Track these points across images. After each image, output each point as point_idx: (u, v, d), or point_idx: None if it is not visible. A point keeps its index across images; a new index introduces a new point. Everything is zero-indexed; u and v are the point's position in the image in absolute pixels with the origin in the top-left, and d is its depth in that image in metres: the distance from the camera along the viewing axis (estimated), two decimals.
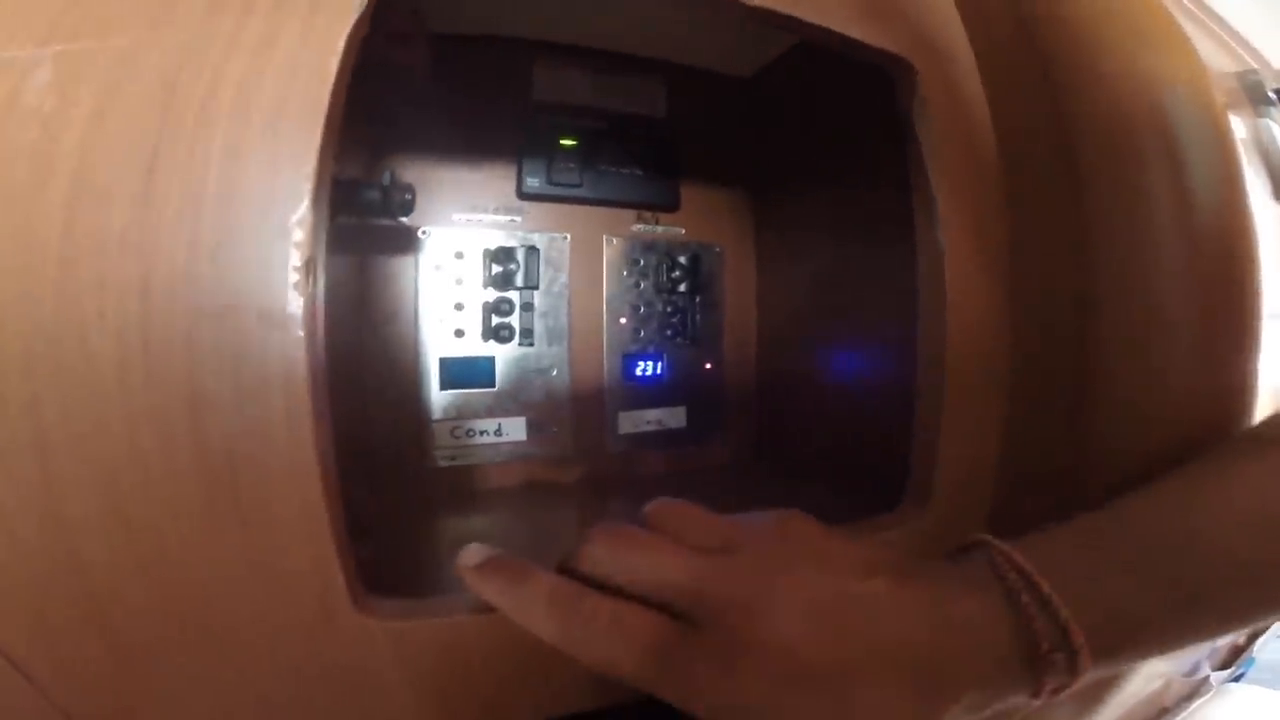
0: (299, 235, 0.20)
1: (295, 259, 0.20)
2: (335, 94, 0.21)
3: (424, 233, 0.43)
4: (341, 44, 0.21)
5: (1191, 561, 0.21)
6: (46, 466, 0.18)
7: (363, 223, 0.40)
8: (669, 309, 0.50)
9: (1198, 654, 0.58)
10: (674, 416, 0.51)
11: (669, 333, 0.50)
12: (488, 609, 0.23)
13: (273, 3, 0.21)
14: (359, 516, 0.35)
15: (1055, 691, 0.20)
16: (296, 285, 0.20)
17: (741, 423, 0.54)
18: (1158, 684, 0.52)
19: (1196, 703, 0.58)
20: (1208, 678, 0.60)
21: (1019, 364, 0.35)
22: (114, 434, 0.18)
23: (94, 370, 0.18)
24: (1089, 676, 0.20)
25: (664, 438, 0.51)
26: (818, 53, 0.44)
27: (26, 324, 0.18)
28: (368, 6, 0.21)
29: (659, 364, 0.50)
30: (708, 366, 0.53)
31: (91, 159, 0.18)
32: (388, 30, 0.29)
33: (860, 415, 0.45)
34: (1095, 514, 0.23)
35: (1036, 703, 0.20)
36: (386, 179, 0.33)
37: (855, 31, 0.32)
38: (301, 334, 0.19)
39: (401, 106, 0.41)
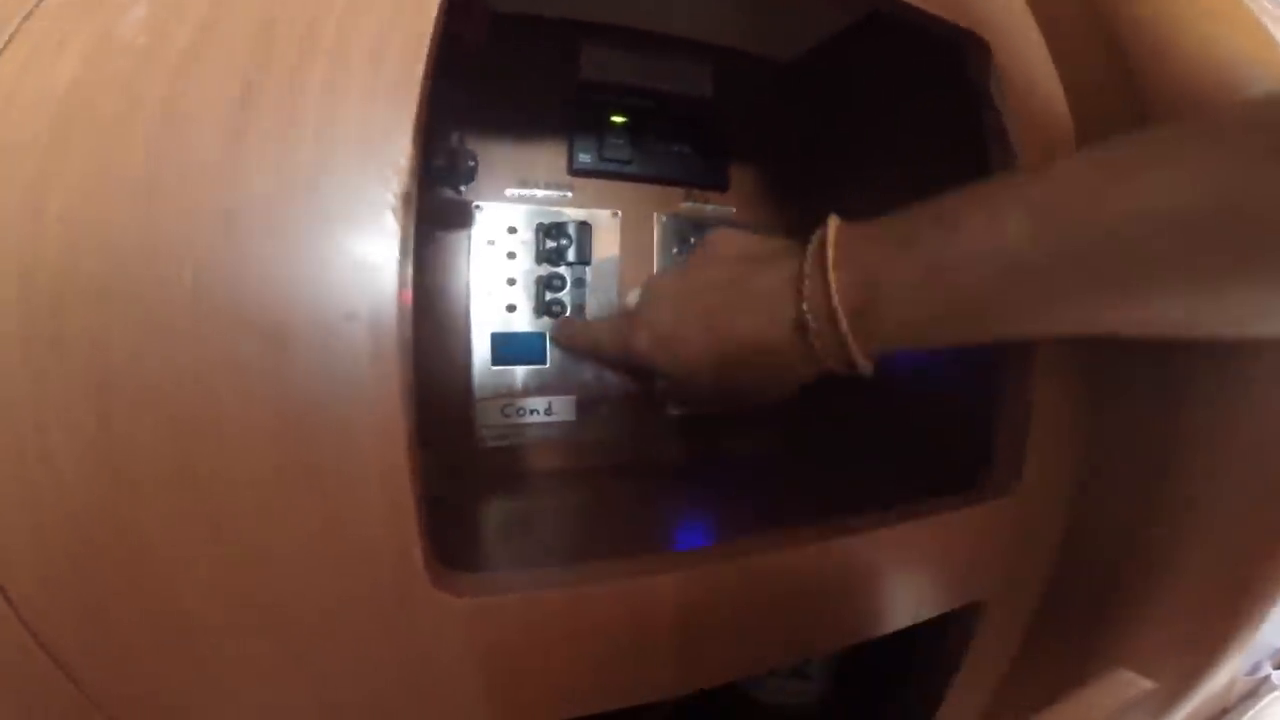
0: (402, 163, 0.19)
1: (394, 190, 0.19)
2: (437, 28, 0.20)
3: (477, 206, 0.42)
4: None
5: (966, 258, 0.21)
6: (109, 414, 0.17)
7: (421, 198, 0.39)
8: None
9: (1258, 653, 0.56)
10: None
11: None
12: (561, 584, 0.23)
13: None
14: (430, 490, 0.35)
15: (835, 368, 0.25)
16: (391, 219, 0.19)
17: (794, 404, 0.52)
18: (1223, 680, 0.50)
19: (1259, 704, 0.56)
20: (1269, 677, 0.58)
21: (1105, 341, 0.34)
22: (184, 375, 0.17)
23: (169, 305, 0.17)
24: (863, 362, 0.25)
25: (716, 418, 0.49)
26: (867, 35, 0.43)
27: (105, 255, 0.17)
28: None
29: None
30: None
31: (182, 91, 0.18)
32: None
33: (918, 397, 0.43)
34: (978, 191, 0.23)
35: (811, 374, 0.27)
36: (456, 140, 0.32)
37: (929, 5, 0.31)
38: (394, 273, 0.18)
39: (458, 79, 0.41)
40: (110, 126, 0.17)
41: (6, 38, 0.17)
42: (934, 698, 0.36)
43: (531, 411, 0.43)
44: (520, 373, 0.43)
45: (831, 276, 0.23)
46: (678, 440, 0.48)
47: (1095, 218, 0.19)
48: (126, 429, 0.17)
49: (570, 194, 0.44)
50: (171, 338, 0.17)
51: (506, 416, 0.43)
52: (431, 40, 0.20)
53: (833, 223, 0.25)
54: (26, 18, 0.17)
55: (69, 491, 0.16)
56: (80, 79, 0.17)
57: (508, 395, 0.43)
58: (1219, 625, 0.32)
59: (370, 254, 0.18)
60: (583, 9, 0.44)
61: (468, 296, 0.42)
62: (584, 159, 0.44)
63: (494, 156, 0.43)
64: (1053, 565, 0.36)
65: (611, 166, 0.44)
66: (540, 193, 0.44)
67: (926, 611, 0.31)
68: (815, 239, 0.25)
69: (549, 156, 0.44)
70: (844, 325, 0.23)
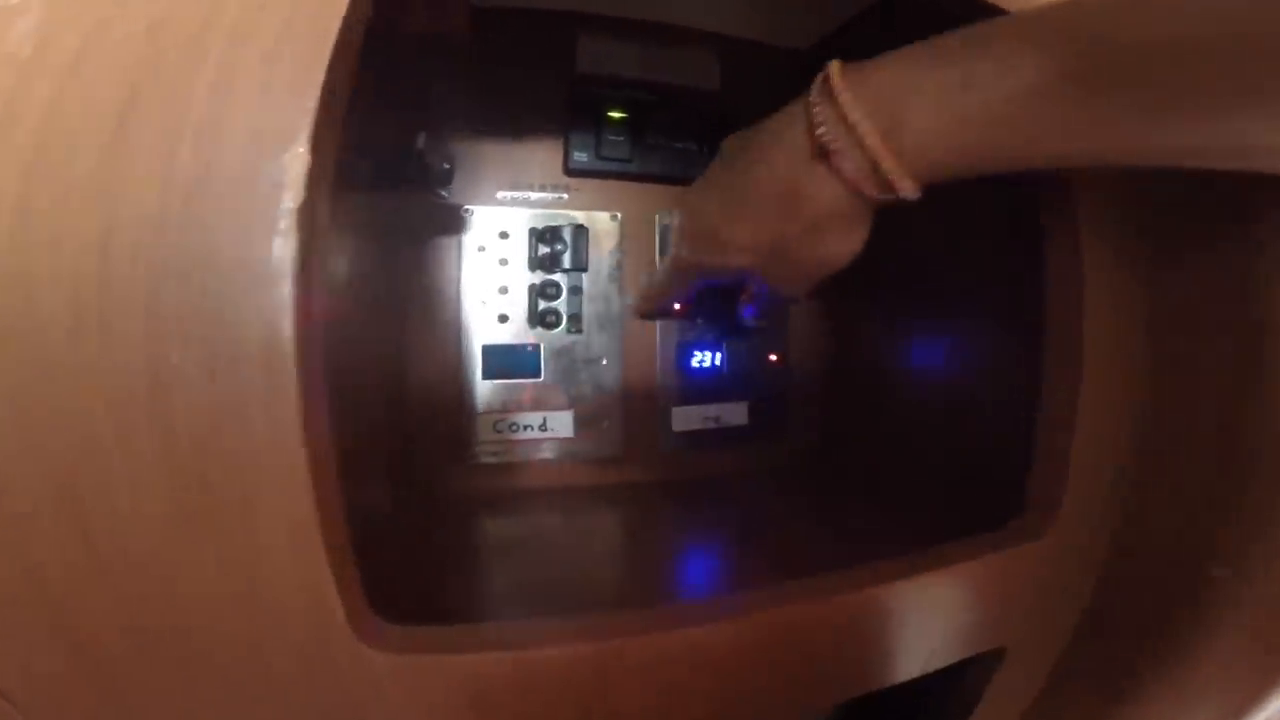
0: (293, 172, 0.16)
1: (286, 201, 0.16)
2: (349, 16, 0.17)
3: (467, 211, 0.40)
4: None
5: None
6: None
7: (404, 202, 0.37)
8: (729, 295, 0.46)
9: None
10: (734, 413, 0.47)
11: (729, 321, 0.46)
12: (515, 645, 0.20)
13: None
14: (376, 527, 0.33)
15: (875, 194, 0.24)
16: (284, 231, 0.16)
17: (807, 421, 0.49)
18: None
19: None
20: None
21: (1162, 360, 0.30)
22: (66, 418, 0.15)
23: (45, 343, 0.15)
24: (905, 183, 0.23)
25: (722, 436, 0.46)
26: (885, 18, 0.39)
27: None
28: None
29: (718, 355, 0.46)
30: (772, 359, 0.48)
31: (62, 105, 0.16)
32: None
33: (946, 417, 0.39)
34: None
35: (853, 208, 0.25)
36: (421, 141, 0.30)
37: None
38: (288, 291, 0.16)
39: (442, 81, 0.39)
40: None
41: None
42: None
43: (525, 427, 0.41)
44: (513, 386, 0.41)
45: (844, 99, 0.23)
46: (683, 457, 0.45)
47: (1116, 42, 0.19)
48: (6, 467, 0.15)
49: (566, 195, 0.42)
50: (49, 377, 0.15)
51: (499, 432, 0.41)
52: (340, 38, 0.17)
53: (832, 63, 0.24)
54: None
55: None
56: None
57: (500, 410, 0.41)
58: (1258, 686, 0.28)
59: (260, 277, 0.16)
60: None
61: (458, 306, 0.40)
62: (580, 158, 0.41)
63: (486, 158, 0.40)
64: (1085, 609, 0.31)
65: (610, 166, 0.42)
66: (534, 195, 0.41)
67: (940, 661, 0.27)
68: (815, 81, 0.24)
69: (543, 156, 0.42)
70: (871, 140, 0.22)
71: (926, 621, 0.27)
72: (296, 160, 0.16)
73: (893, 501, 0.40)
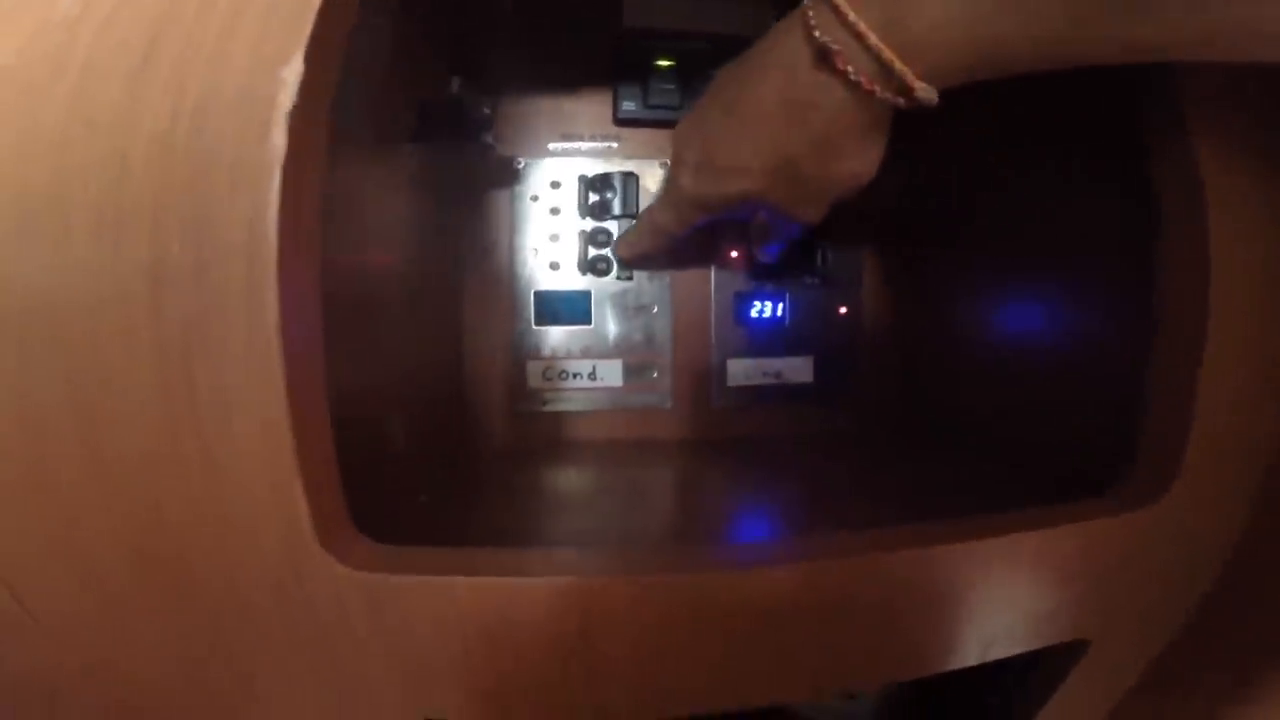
0: (289, 83, 0.17)
1: (280, 106, 0.17)
2: None
3: (520, 163, 0.41)
4: None
5: None
6: (22, 352, 0.17)
7: (459, 155, 0.39)
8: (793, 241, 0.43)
9: None
10: (797, 369, 0.44)
11: (793, 269, 0.43)
12: (491, 570, 0.20)
13: None
14: (430, 459, 0.34)
15: (887, 96, 0.22)
16: (275, 133, 0.17)
17: (879, 381, 0.45)
18: None
19: None
20: None
21: None
22: (80, 316, 0.17)
23: (70, 246, 0.17)
24: (919, 84, 0.21)
25: (782, 393, 0.43)
26: None
27: (17, 203, 0.17)
28: None
29: (780, 305, 0.43)
30: (842, 311, 0.44)
31: (99, 50, 0.18)
32: None
33: (1037, 382, 0.34)
34: None
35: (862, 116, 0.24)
36: (455, 85, 0.32)
37: None
38: (274, 187, 0.17)
39: (489, 35, 0.40)
40: (38, 90, 0.18)
41: None
42: None
43: (575, 375, 0.41)
44: (564, 333, 0.41)
45: (844, 7, 0.21)
46: (737, 414, 0.43)
47: None
48: (37, 378, 0.17)
49: (616, 144, 0.42)
50: (72, 276, 0.17)
51: (549, 380, 0.41)
52: None
53: None
54: None
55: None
56: (24, 51, 0.18)
57: (550, 357, 0.41)
58: None
59: (248, 177, 0.17)
60: None
61: (511, 254, 0.41)
62: (628, 106, 0.41)
63: (536, 111, 0.41)
64: (1201, 594, 0.25)
65: (659, 114, 0.41)
66: (585, 145, 0.42)
67: (1000, 652, 0.23)
68: None
69: (593, 107, 0.41)
70: (873, 38, 0.21)
71: (985, 603, 0.23)
72: (292, 72, 0.17)
73: (969, 472, 0.35)
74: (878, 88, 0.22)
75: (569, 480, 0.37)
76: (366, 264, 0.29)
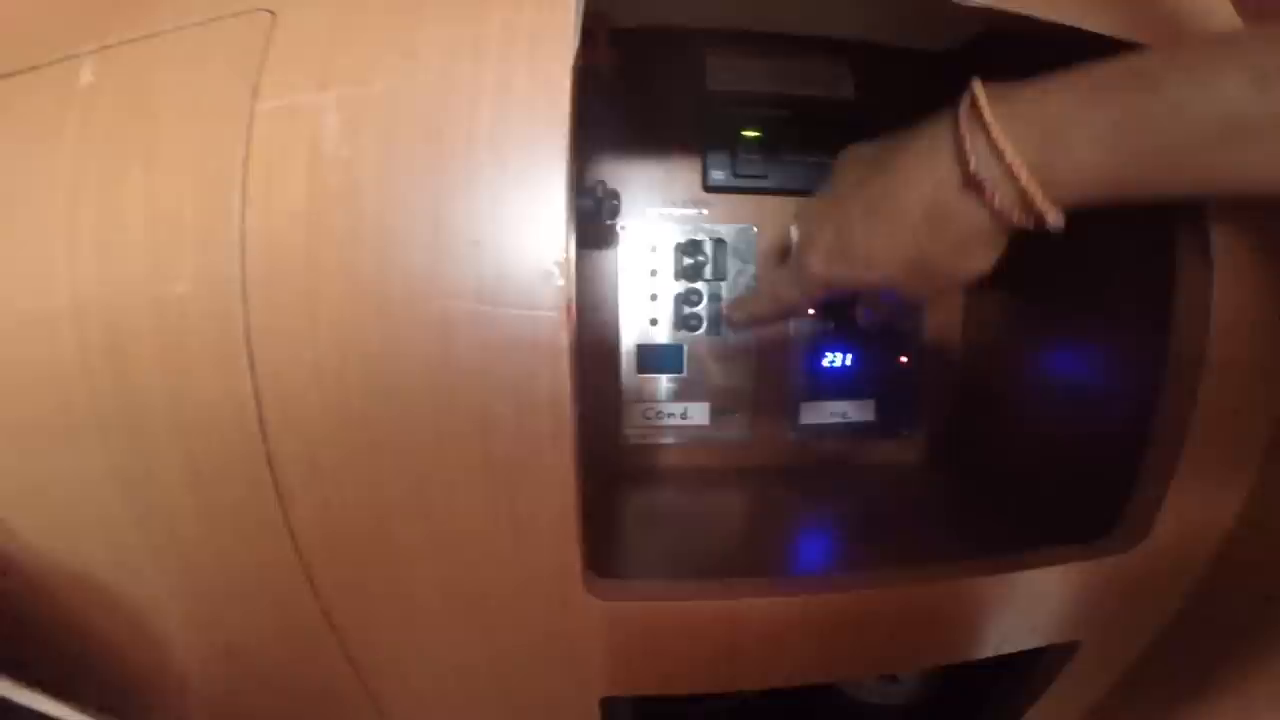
0: (559, 276, 0.22)
1: (559, 299, 0.22)
2: (571, 136, 0.23)
3: (622, 227, 0.46)
4: (568, 82, 0.23)
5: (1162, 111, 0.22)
6: (377, 460, 0.23)
7: (580, 228, 0.44)
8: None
9: None
10: (860, 410, 0.50)
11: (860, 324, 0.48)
12: (680, 596, 0.27)
13: (499, 47, 0.23)
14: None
15: (1020, 222, 0.25)
16: (562, 324, 0.23)
17: (935, 423, 0.51)
18: None
19: None
20: None
21: None
22: (425, 445, 0.23)
23: (412, 393, 0.23)
24: (1053, 214, 0.24)
25: (848, 430, 0.49)
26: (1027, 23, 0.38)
27: (359, 355, 0.23)
28: (580, 38, 0.23)
29: (848, 355, 0.49)
30: (902, 360, 0.50)
31: (387, 204, 0.22)
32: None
33: (1075, 430, 0.40)
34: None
35: (996, 231, 0.26)
36: (600, 190, 0.37)
37: (1087, 23, 0.28)
38: (566, 366, 0.22)
39: (594, 108, 0.45)
40: (345, 242, 0.22)
41: (243, 149, 0.22)
42: (1014, 715, 0.36)
43: (669, 415, 0.47)
44: (661, 380, 0.47)
45: (996, 130, 0.23)
46: (808, 447, 0.49)
47: None
48: (388, 479, 0.24)
49: (706, 211, 0.47)
50: (415, 421, 0.23)
51: (648, 419, 0.47)
52: (569, 143, 0.23)
53: (975, 85, 0.25)
54: (250, 128, 0.23)
55: (351, 514, 0.24)
56: (312, 191, 0.22)
57: (650, 400, 0.47)
58: None
59: (547, 354, 0.23)
60: (703, 13, 0.43)
61: (616, 311, 0.47)
62: (717, 176, 0.45)
63: (634, 177, 0.46)
64: (1174, 613, 0.33)
65: (746, 182, 0.46)
66: (678, 211, 0.47)
67: (1010, 647, 0.32)
68: (963, 101, 0.25)
69: (685, 174, 0.46)
70: (1024, 178, 0.23)
71: (1004, 613, 0.31)
72: (561, 266, 0.22)
73: (1009, 503, 0.42)
74: (1014, 214, 0.24)
75: (668, 503, 0.44)
76: None
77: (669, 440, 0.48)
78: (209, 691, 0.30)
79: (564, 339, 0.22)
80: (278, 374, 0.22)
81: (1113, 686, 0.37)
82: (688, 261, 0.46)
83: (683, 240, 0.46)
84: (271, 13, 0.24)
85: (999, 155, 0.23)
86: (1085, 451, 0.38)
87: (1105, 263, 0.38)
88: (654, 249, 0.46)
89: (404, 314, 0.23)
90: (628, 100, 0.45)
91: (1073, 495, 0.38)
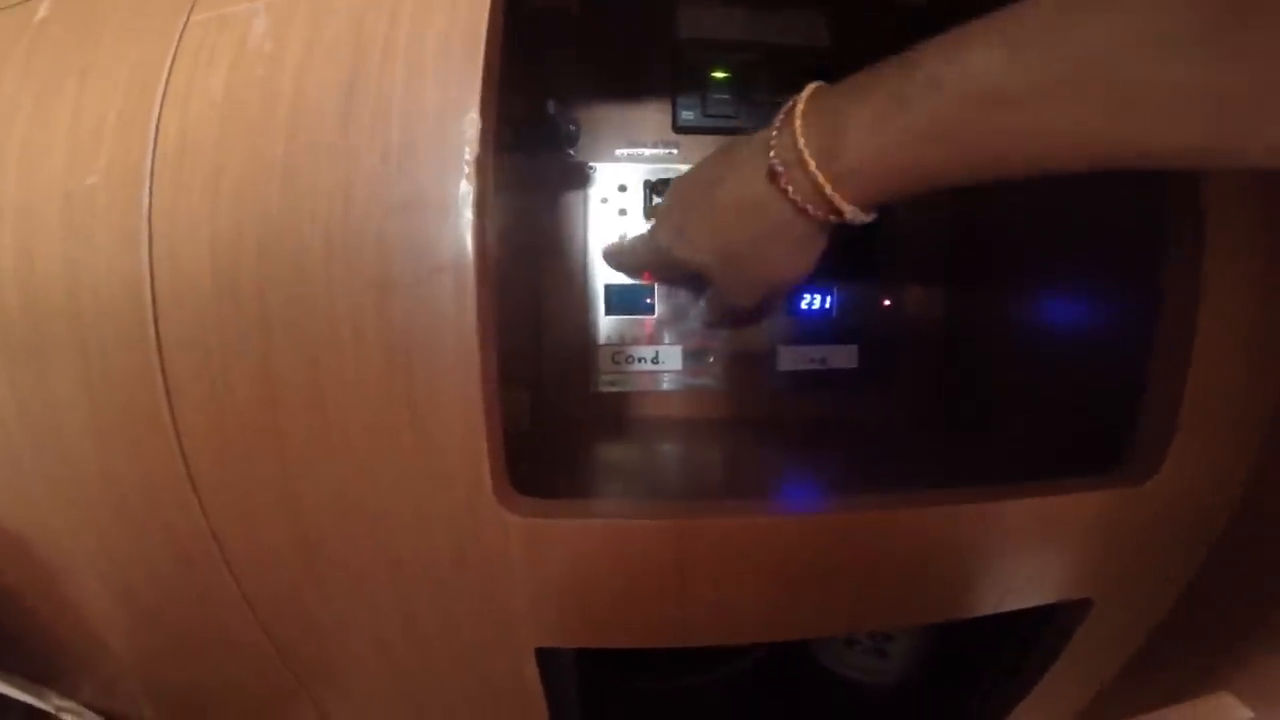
0: (470, 134, 0.22)
1: (467, 154, 0.22)
2: (493, 17, 0.23)
3: (591, 168, 0.45)
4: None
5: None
6: (268, 341, 0.22)
7: (538, 161, 0.44)
8: (841, 238, 0.46)
9: None
10: (842, 356, 0.48)
11: (841, 265, 0.47)
12: (615, 514, 0.25)
13: None
14: (519, 425, 0.40)
15: (821, 215, 0.25)
16: (467, 175, 0.22)
17: (920, 369, 0.48)
18: None
19: None
20: None
21: None
22: (318, 316, 0.22)
23: (307, 261, 0.22)
24: (849, 208, 0.24)
25: (828, 378, 0.47)
26: None
27: (258, 223, 0.22)
28: None
29: (827, 298, 0.47)
30: (886, 304, 0.48)
31: (304, 87, 0.22)
32: None
33: (1071, 369, 0.37)
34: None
35: (807, 229, 0.26)
36: (551, 108, 0.36)
37: None
38: (470, 218, 0.22)
39: (561, 50, 0.44)
40: (257, 121, 0.22)
41: (170, 55, 0.23)
42: (1019, 691, 0.32)
43: (640, 359, 0.46)
44: (630, 322, 0.46)
45: (798, 124, 0.24)
46: (788, 395, 0.47)
47: (1064, 50, 0.19)
48: (280, 364, 0.23)
49: (676, 150, 0.46)
50: (310, 288, 0.22)
51: (617, 364, 0.46)
52: (489, 30, 0.22)
53: (810, 85, 0.25)
54: (180, 36, 0.23)
55: (240, 407, 0.23)
56: (231, 83, 0.23)
57: (619, 344, 0.46)
58: None
59: (451, 215, 0.22)
60: None
61: (585, 251, 0.46)
62: (687, 116, 0.45)
63: (605, 120, 0.45)
64: (1198, 564, 0.29)
65: (716, 122, 0.45)
66: (648, 151, 0.46)
67: (1015, 602, 0.28)
68: (790, 99, 0.26)
69: (655, 116, 0.46)
70: (812, 165, 0.24)
71: (1001, 555, 0.28)
72: (471, 124, 0.21)
73: (1003, 448, 0.39)
74: (810, 208, 0.25)
75: (640, 449, 0.43)
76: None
77: (640, 387, 0.47)
78: (128, 655, 0.30)
79: (468, 189, 0.21)
80: (174, 252, 0.22)
81: (1135, 654, 0.34)
82: (657, 200, 0.45)
83: (652, 179, 0.45)
84: None
85: (795, 146, 0.24)
86: (1080, 401, 0.36)
87: (1096, 220, 0.36)
88: (624, 188, 0.46)
89: (307, 180, 0.22)
90: (599, 43, 0.45)
91: (1068, 448, 0.36)
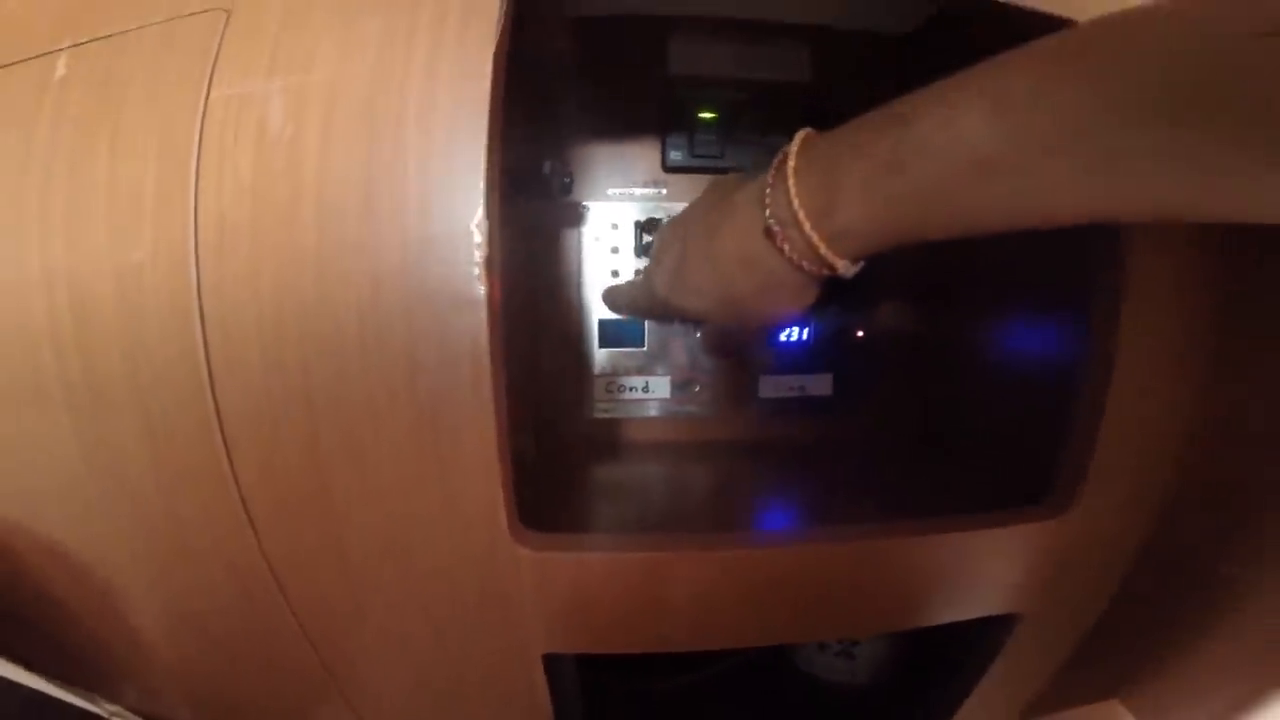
0: (478, 237, 0.25)
1: (476, 256, 0.25)
2: (493, 114, 0.25)
3: (584, 207, 0.48)
4: (489, 68, 0.25)
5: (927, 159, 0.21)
6: (311, 412, 0.26)
7: (534, 204, 0.46)
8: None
9: None
10: (818, 383, 0.51)
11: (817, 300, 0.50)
12: (611, 549, 0.29)
13: (429, 35, 0.25)
14: (525, 463, 0.44)
15: (815, 271, 0.25)
16: (479, 278, 0.25)
17: (893, 396, 0.52)
18: None
19: None
20: None
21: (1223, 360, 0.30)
22: (356, 389, 0.25)
23: (343, 342, 0.25)
24: (840, 263, 0.24)
25: (806, 404, 0.51)
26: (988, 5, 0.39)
27: (297, 309, 0.25)
28: (503, 24, 0.25)
29: (804, 330, 0.51)
30: (859, 334, 0.51)
31: (327, 182, 0.25)
32: (535, 20, 0.32)
33: (1028, 397, 0.41)
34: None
35: (802, 280, 0.26)
36: (547, 168, 0.39)
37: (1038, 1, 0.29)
38: (484, 316, 0.25)
39: (554, 92, 0.46)
40: (286, 214, 0.25)
41: (197, 130, 0.25)
42: (957, 697, 0.37)
43: (631, 389, 0.50)
44: (622, 354, 0.49)
45: (791, 181, 0.24)
46: (765, 420, 0.51)
47: (1049, 117, 0.19)
48: (323, 428, 0.26)
49: (665, 190, 0.48)
50: (347, 364, 0.25)
51: (610, 393, 0.50)
52: (490, 122, 0.25)
53: (800, 133, 0.25)
54: (204, 113, 0.25)
55: (291, 466, 0.26)
56: (258, 167, 0.25)
57: (612, 374, 0.50)
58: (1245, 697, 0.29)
59: (467, 314, 0.25)
60: (668, 3, 0.45)
61: (579, 286, 0.49)
62: (675, 156, 0.47)
63: (597, 160, 0.48)
64: (1117, 584, 0.33)
65: (703, 162, 0.47)
66: (638, 190, 0.48)
67: (950, 616, 0.32)
68: (782, 151, 0.25)
69: (645, 155, 0.48)
70: (808, 226, 0.24)
71: (940, 578, 0.32)
72: (480, 227, 0.24)
73: (961, 474, 0.43)
74: (805, 264, 0.25)
75: (632, 472, 0.46)
76: None
77: (632, 413, 0.50)
78: (178, 667, 0.33)
79: (480, 290, 0.24)
80: (225, 329, 0.25)
81: (1061, 667, 0.38)
82: (648, 239, 0.48)
83: (642, 218, 0.48)
84: (227, 11, 0.27)
85: (790, 204, 0.24)
86: (1030, 429, 0.40)
87: (1041, 252, 0.39)
88: (615, 226, 0.48)
89: (336, 272, 0.25)
90: (592, 86, 0.47)
91: (1018, 471, 0.39)
